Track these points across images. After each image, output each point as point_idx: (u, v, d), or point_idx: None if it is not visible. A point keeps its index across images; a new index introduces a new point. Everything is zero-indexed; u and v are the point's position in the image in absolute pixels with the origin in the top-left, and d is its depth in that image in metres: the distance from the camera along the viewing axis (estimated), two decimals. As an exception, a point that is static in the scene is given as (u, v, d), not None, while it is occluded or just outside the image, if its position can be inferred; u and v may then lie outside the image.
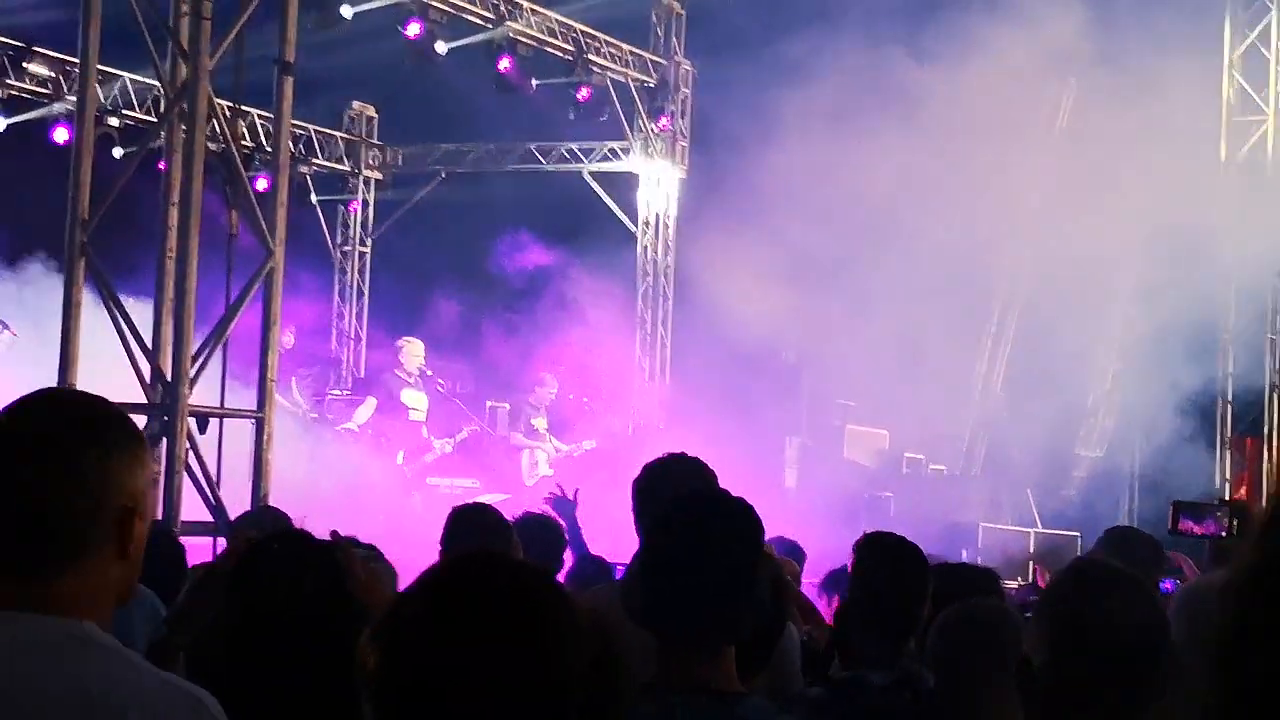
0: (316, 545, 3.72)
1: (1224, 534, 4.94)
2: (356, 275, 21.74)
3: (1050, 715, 3.17)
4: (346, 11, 17.01)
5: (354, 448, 16.90)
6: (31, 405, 2.58)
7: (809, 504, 16.31)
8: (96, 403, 2.63)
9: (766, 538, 3.73)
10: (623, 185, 20.46)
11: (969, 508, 17.43)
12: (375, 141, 21.88)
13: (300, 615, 3.42)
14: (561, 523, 7.30)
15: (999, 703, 3.91)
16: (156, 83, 14.12)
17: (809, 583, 7.62)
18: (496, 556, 2.19)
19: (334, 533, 3.79)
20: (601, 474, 16.28)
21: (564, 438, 18.35)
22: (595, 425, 18.68)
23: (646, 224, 20.55)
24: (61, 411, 2.57)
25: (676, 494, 4.02)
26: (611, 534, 7.03)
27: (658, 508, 3.72)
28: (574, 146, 20.43)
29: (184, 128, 11.21)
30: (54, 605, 2.48)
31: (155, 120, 13.02)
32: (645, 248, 20.51)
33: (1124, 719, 3.08)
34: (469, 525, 5.77)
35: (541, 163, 20.62)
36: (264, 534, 3.74)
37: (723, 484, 4.96)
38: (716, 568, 3.38)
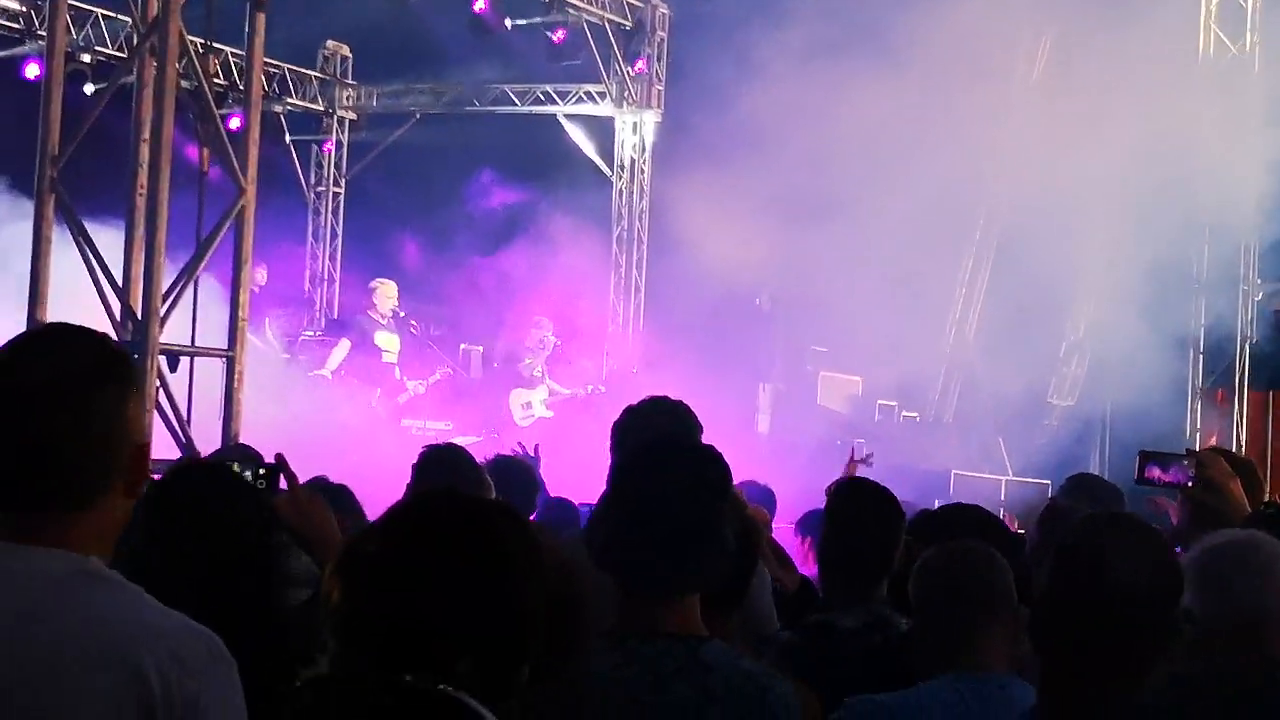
0: (237, 477, 3.71)
1: (1189, 483, 4.89)
2: (330, 216, 21.59)
3: (1058, 661, 3.16)
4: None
5: (327, 390, 16.90)
6: (41, 344, 2.58)
7: (782, 450, 16.33)
8: (105, 341, 2.65)
9: (737, 482, 3.72)
10: (598, 129, 20.36)
11: (942, 455, 17.50)
12: (350, 81, 21.78)
13: (204, 540, 3.41)
14: (534, 462, 7.34)
15: (983, 646, 3.89)
16: (128, 19, 14.04)
17: (782, 526, 7.59)
18: (457, 494, 2.22)
19: (279, 455, 3.80)
20: (578, 418, 16.38)
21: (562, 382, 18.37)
22: (572, 370, 18.71)
23: (621, 168, 20.40)
24: (73, 351, 2.56)
25: (643, 439, 4.04)
26: (581, 477, 7.07)
27: (626, 456, 3.70)
28: (549, 89, 20.31)
29: (155, 64, 11.14)
30: (67, 541, 2.49)
31: (126, 56, 12.86)
32: (620, 191, 20.37)
33: (1133, 669, 3.06)
34: (438, 465, 5.76)
35: (516, 104, 20.51)
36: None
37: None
38: (679, 514, 3.35)
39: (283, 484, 3.82)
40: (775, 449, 16.71)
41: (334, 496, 5.85)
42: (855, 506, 4.83)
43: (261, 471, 3.82)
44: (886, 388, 19.12)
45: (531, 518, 6.49)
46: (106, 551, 2.56)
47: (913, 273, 18.12)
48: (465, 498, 2.21)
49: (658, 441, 3.91)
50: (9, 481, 2.50)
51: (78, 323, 2.68)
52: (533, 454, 7.98)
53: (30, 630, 2.43)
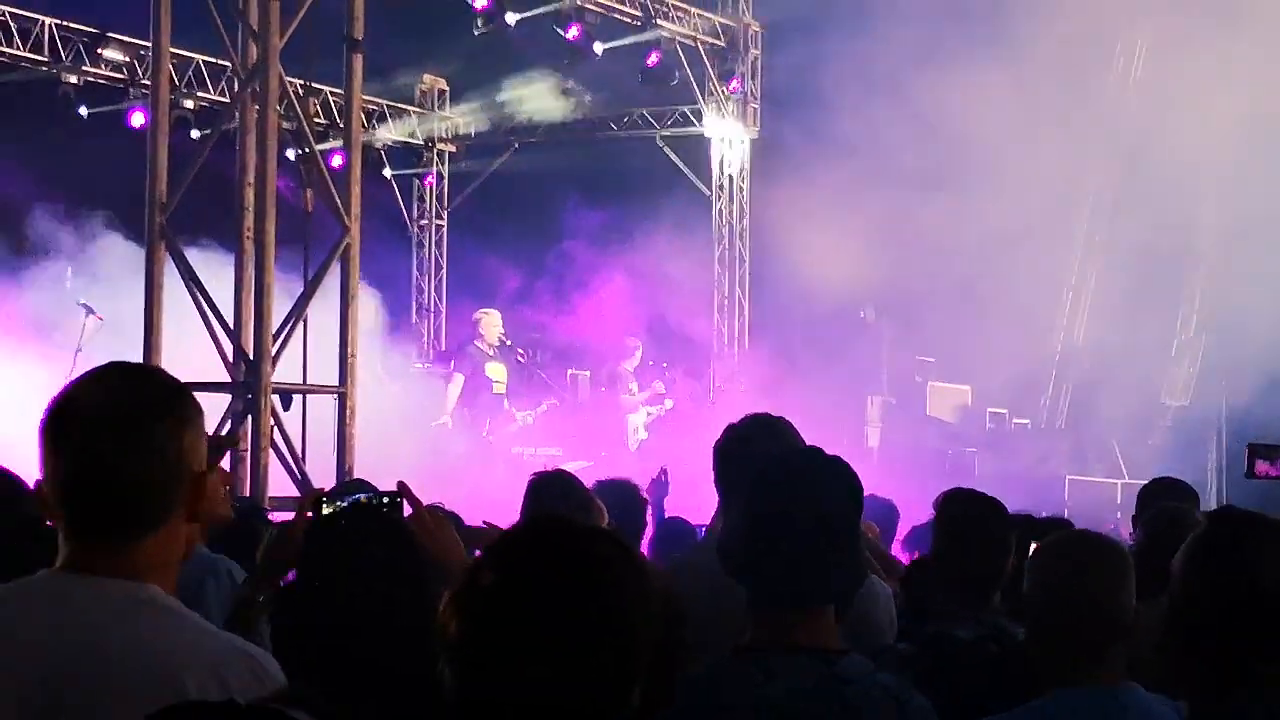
0: (385, 513, 3.77)
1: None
2: (434, 248, 21.81)
3: (1205, 666, 3.10)
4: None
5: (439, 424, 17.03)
6: (103, 380, 2.66)
7: (892, 463, 16.30)
8: (162, 375, 2.75)
9: None
10: (694, 149, 20.45)
11: (1055, 461, 17.42)
12: (447, 115, 21.93)
13: (367, 579, 3.47)
14: (641, 490, 7.20)
15: (1109, 657, 3.75)
16: (229, 63, 14.22)
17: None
18: (565, 522, 2.25)
19: (400, 483, 3.83)
20: (685, 439, 16.35)
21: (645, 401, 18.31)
22: (674, 390, 18.65)
23: (720, 188, 20.48)
24: (134, 385, 2.65)
25: (770, 452, 4.00)
26: (693, 496, 7.07)
27: (748, 466, 3.65)
28: (645, 112, 20.40)
29: (257, 107, 11.31)
30: (128, 570, 2.58)
31: (229, 101, 12.99)
32: (720, 211, 20.43)
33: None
34: (548, 492, 5.77)
35: (613, 129, 20.52)
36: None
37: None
38: (816, 526, 3.34)
39: (406, 510, 3.86)
40: (886, 462, 16.71)
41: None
42: (964, 516, 4.81)
43: (385, 500, 3.85)
44: (996, 395, 18.98)
45: (647, 535, 6.90)
46: (169, 577, 2.63)
47: (1019, 277, 18.06)
48: (572, 527, 2.24)
49: (792, 452, 3.91)
50: (73, 512, 2.59)
51: (188, 366, 2.74)
52: (663, 478, 8.05)
53: (84, 660, 2.51)
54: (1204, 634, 3.09)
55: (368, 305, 15.28)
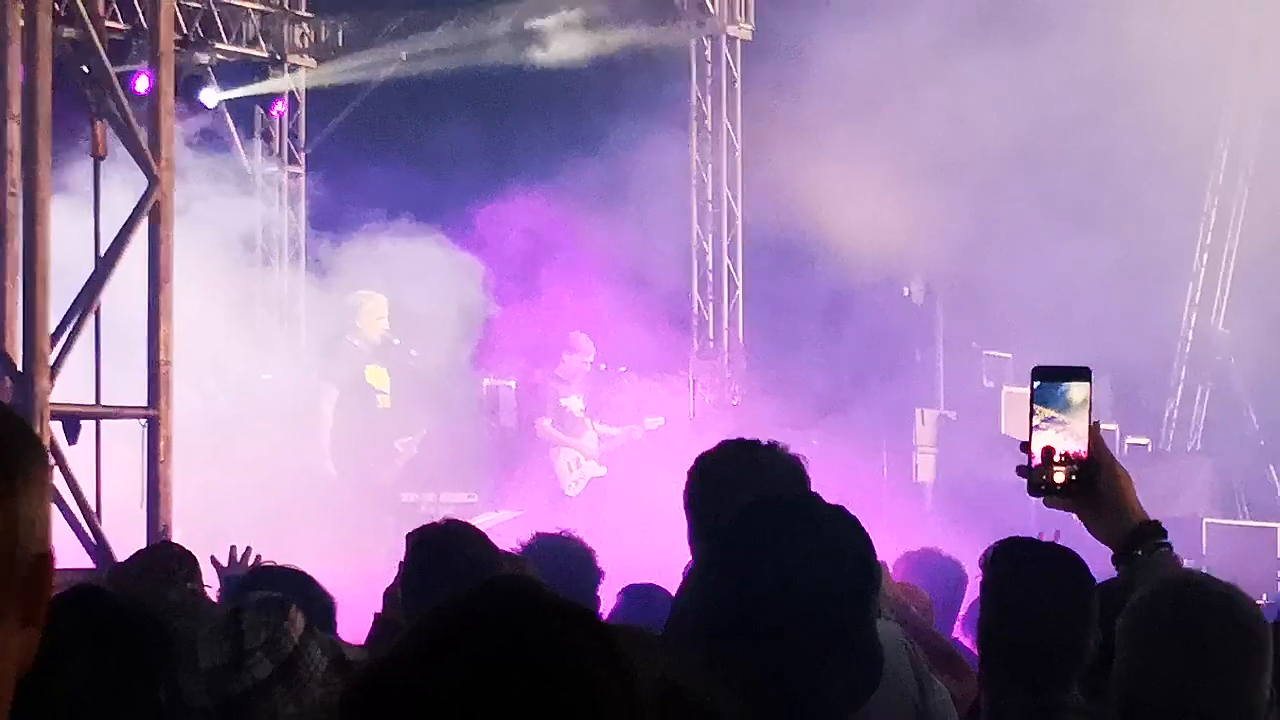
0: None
1: None
2: (285, 205, 21.65)
3: None
4: None
5: (274, 451, 17.08)
6: None
7: (954, 504, 16.47)
8: None
9: (918, 549, 3.70)
10: (664, 57, 20.34)
11: (1187, 496, 17.58)
12: (303, 13, 21.82)
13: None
14: (589, 548, 7.50)
15: None
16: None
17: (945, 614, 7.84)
18: (516, 593, 2.26)
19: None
20: (658, 470, 16.33)
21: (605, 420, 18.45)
22: (640, 404, 18.69)
23: (702, 114, 20.40)
24: None
25: (744, 501, 3.99)
26: (673, 553, 6.94)
27: (716, 522, 3.79)
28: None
29: (21, 4, 11.19)
30: None
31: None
32: (695, 144, 20.32)
33: None
34: (439, 558, 5.89)
35: (541, 20, 20.35)
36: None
37: (819, 483, 5.01)
38: (808, 607, 3.40)
39: None
40: (945, 503, 16.93)
41: (291, 586, 6.23)
42: (1024, 578, 4.87)
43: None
44: (1101, 405, 18.89)
45: (604, 613, 6.99)
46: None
47: (1130, 237, 18.15)
48: (526, 599, 2.24)
49: (769, 500, 3.95)
50: None
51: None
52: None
53: None
54: None
55: (191, 290, 14.86)
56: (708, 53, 20.45)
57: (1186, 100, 18.06)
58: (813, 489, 5.00)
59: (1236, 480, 18.58)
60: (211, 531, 10.89)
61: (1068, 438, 4.03)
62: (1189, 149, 19.10)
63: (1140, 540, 3.99)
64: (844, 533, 3.53)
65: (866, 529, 3.62)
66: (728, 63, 20.37)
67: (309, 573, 6.76)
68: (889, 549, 5.56)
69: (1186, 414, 20.19)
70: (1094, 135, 17.37)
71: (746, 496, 4.33)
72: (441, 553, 5.91)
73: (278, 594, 5.04)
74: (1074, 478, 3.99)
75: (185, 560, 7.10)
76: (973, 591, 7.72)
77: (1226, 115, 19.50)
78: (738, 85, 20.39)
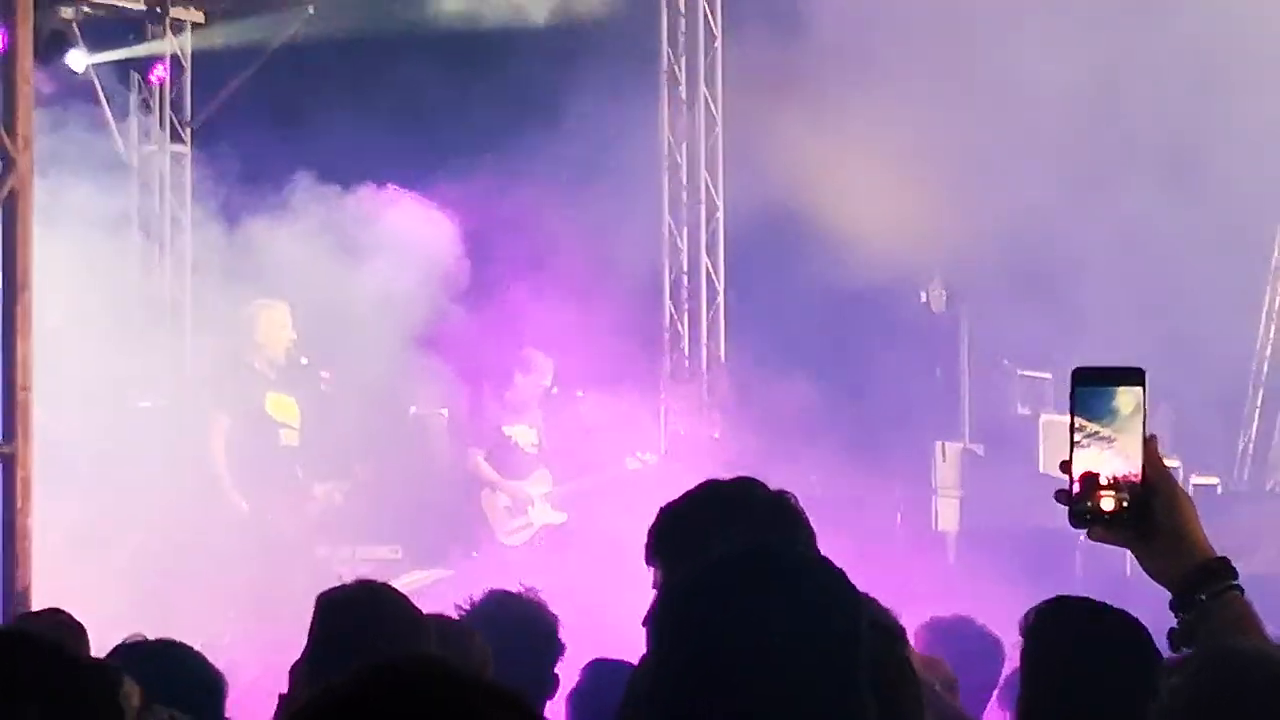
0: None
1: None
2: (168, 190, 21.61)
3: None
4: None
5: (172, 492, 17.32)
6: None
7: (981, 558, 16.94)
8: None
9: (943, 615, 4.82)
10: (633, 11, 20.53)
11: (1268, 549, 17.23)
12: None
13: None
14: (553, 614, 7.82)
15: None
16: None
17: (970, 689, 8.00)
18: (435, 677, 2.50)
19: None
20: (623, 519, 16.32)
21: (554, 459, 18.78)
22: (603, 437, 18.86)
23: (675, 79, 20.32)
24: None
25: (712, 556, 4.21)
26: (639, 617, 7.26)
27: (677, 583, 4.12)
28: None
29: None
30: None
31: None
32: (667, 119, 20.23)
33: None
34: (351, 628, 6.02)
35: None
36: None
37: (816, 532, 5.41)
38: (783, 689, 3.60)
39: None
40: (972, 557, 17.38)
41: (165, 663, 6.67)
42: (1072, 647, 5.15)
43: None
44: (1160, 438, 18.50)
45: (565, 691, 7.61)
46: None
47: (1191, 259, 18.44)
48: (450, 686, 2.45)
49: (740, 558, 4.09)
50: None
51: None
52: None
53: None
54: None
55: (53, 299, 15.26)
56: (680, 2, 20.22)
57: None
58: (809, 527, 5.37)
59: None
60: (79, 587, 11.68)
61: (1116, 456, 3.97)
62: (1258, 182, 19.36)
63: (1205, 580, 3.98)
64: (825, 592, 3.73)
65: (870, 588, 3.88)
66: (705, 14, 20.18)
67: (192, 646, 7.05)
68: (906, 614, 5.45)
69: (1264, 448, 20.44)
70: (1169, 116, 17.63)
71: (713, 550, 4.55)
72: (354, 621, 6.03)
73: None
74: (1125, 505, 3.95)
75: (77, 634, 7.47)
76: (1010, 661, 7.99)
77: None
78: (718, 44, 20.26)
